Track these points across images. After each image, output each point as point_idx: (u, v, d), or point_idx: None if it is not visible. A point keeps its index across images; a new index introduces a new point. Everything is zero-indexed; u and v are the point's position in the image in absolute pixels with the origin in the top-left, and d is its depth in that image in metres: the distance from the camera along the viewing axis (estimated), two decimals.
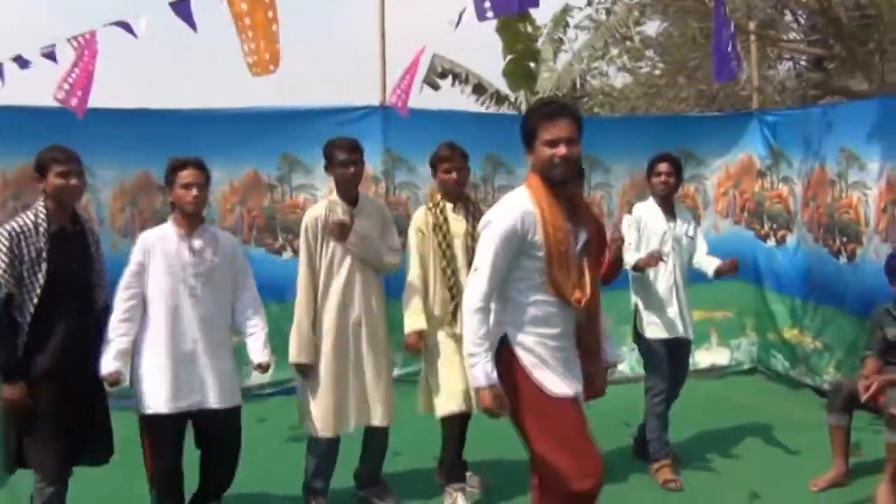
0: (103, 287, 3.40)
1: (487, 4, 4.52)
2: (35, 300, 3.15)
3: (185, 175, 3.41)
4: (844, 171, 5.64)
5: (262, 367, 3.60)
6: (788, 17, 10.30)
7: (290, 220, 6.12)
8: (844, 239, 5.66)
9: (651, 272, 4.29)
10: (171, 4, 4.71)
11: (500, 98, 12.97)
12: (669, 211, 4.46)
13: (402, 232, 4.20)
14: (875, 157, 5.37)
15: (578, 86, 12.86)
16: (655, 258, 4.15)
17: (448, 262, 3.85)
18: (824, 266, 5.87)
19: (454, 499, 3.84)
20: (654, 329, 4.33)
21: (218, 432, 3.49)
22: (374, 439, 3.96)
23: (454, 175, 3.90)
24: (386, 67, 6.07)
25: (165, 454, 3.40)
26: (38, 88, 5.34)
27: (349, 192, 3.85)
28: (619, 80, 12.96)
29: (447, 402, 3.81)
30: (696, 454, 4.61)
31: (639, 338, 4.41)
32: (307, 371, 3.77)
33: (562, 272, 2.69)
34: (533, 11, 8.61)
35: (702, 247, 4.54)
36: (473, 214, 3.91)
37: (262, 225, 6.15)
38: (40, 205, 3.24)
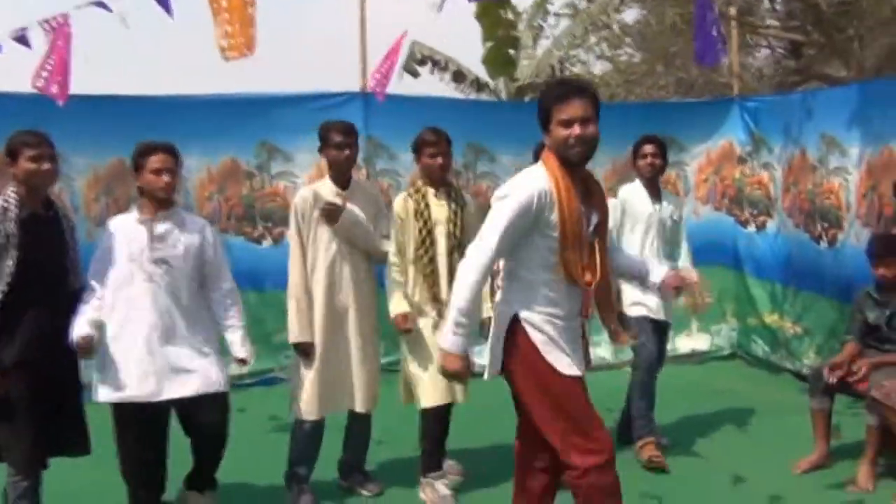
0: (77, 274, 3.32)
1: None
2: (4, 287, 3.06)
3: (156, 160, 3.32)
4: (825, 157, 5.67)
5: (243, 362, 3.57)
6: (766, 3, 10.34)
7: (270, 209, 6.05)
8: (825, 224, 5.69)
9: (634, 254, 4.28)
10: None
11: (479, 85, 12.93)
12: (655, 193, 4.45)
13: None
14: (855, 143, 5.40)
15: (558, 73, 12.83)
16: None
17: (426, 250, 3.78)
18: (804, 251, 5.91)
19: (434, 486, 3.81)
20: (637, 309, 4.34)
21: (194, 419, 3.42)
22: (358, 427, 3.93)
23: (439, 160, 3.82)
24: (367, 54, 6.01)
25: (130, 443, 3.34)
26: (8, 75, 5.23)
27: (342, 176, 3.81)
28: (599, 67, 12.98)
29: (431, 394, 3.75)
30: (679, 439, 4.63)
31: (622, 320, 4.40)
32: (309, 349, 3.71)
33: (574, 253, 2.68)
34: None
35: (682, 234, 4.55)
36: (456, 200, 3.87)
37: (240, 213, 6.05)
38: (11, 190, 3.15)
